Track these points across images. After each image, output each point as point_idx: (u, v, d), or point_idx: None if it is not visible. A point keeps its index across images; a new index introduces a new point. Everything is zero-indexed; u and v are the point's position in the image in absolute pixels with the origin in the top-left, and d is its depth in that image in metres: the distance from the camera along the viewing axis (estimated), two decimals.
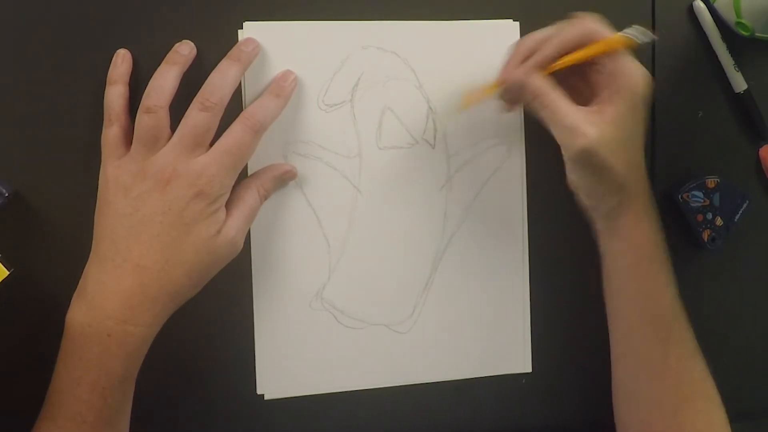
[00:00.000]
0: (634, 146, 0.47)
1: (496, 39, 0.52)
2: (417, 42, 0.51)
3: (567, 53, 0.45)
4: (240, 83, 0.47)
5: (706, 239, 0.55)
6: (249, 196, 0.47)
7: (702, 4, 0.55)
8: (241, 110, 0.47)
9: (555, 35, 0.45)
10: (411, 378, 0.53)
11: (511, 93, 0.47)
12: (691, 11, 0.55)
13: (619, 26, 0.54)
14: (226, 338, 0.50)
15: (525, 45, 0.46)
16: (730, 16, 0.54)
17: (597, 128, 0.44)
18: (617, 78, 0.45)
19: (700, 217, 0.55)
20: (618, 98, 0.45)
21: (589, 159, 0.45)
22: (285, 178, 0.49)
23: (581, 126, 0.44)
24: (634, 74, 0.45)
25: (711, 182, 0.55)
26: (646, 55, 0.55)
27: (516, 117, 0.53)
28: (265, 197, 0.48)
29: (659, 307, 0.48)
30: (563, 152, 0.46)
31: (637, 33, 0.45)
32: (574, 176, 0.48)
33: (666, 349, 0.48)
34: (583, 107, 0.45)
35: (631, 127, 0.46)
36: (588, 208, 0.50)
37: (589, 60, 0.45)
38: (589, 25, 0.45)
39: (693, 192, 0.55)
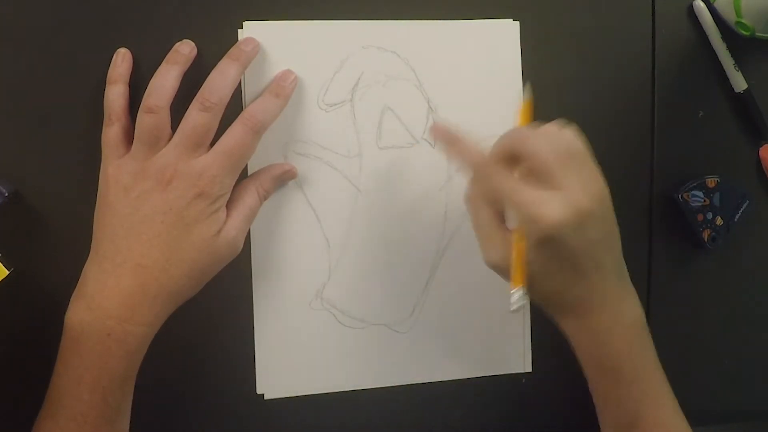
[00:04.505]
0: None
1: (496, 39, 0.52)
2: (417, 42, 0.51)
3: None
4: (240, 83, 0.47)
5: (706, 239, 0.55)
6: (248, 197, 0.47)
7: (702, 4, 0.55)
8: (241, 110, 0.47)
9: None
10: (411, 378, 0.53)
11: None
12: (691, 11, 0.55)
13: (618, 25, 0.55)
14: (226, 338, 0.50)
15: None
16: (730, 16, 0.54)
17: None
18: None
19: (700, 217, 0.55)
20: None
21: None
22: (284, 178, 0.49)
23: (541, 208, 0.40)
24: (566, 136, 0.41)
25: (711, 182, 0.55)
26: (646, 55, 0.55)
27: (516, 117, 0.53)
28: (264, 197, 0.48)
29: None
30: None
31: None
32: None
33: None
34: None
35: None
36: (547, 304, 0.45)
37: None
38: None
39: (693, 192, 0.55)
